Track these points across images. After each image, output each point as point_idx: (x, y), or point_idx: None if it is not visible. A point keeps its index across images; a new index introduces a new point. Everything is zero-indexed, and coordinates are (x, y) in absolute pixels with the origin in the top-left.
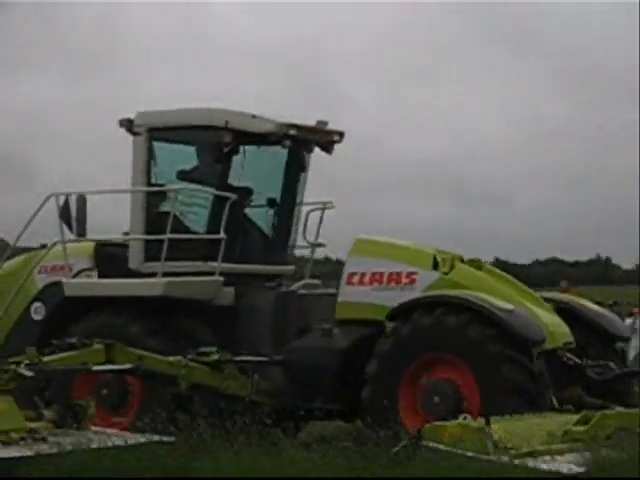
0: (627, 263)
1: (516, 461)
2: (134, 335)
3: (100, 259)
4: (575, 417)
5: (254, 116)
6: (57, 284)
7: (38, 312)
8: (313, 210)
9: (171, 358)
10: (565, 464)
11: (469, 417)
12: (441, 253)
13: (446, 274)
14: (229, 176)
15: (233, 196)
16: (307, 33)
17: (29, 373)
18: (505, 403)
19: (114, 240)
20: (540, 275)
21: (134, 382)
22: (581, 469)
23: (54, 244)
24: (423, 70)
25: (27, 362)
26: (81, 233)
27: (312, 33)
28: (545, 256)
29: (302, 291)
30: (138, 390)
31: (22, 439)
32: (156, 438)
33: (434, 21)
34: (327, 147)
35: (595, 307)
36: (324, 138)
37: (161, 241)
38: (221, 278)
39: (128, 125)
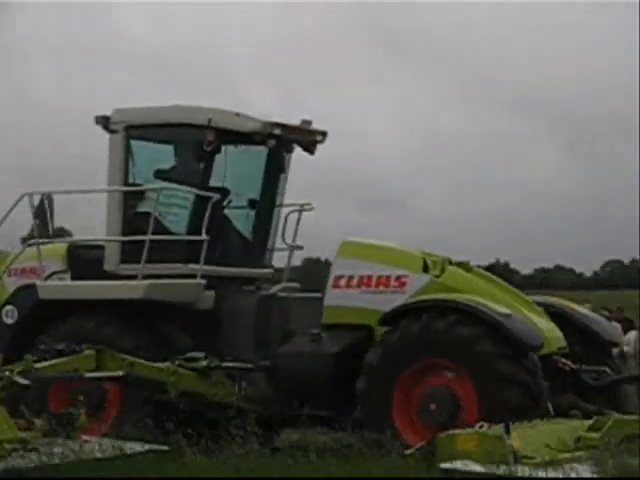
0: (526, 268)
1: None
2: (113, 339)
3: (74, 261)
4: (586, 423)
5: (237, 114)
6: (29, 287)
7: (10, 315)
8: (292, 212)
9: (160, 364)
10: (589, 474)
11: (485, 425)
12: (429, 256)
13: (437, 277)
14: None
15: (216, 196)
16: (206, 36)
17: (24, 381)
18: (504, 409)
19: (88, 241)
20: None
21: (112, 388)
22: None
23: (27, 245)
24: (323, 74)
25: (20, 369)
26: (49, 234)
27: (211, 36)
28: None
29: (282, 294)
30: (116, 396)
31: (14, 450)
32: (144, 447)
33: (336, 25)
34: (309, 147)
35: (585, 311)
36: (307, 138)
37: (139, 242)
38: (203, 281)
39: (104, 122)
